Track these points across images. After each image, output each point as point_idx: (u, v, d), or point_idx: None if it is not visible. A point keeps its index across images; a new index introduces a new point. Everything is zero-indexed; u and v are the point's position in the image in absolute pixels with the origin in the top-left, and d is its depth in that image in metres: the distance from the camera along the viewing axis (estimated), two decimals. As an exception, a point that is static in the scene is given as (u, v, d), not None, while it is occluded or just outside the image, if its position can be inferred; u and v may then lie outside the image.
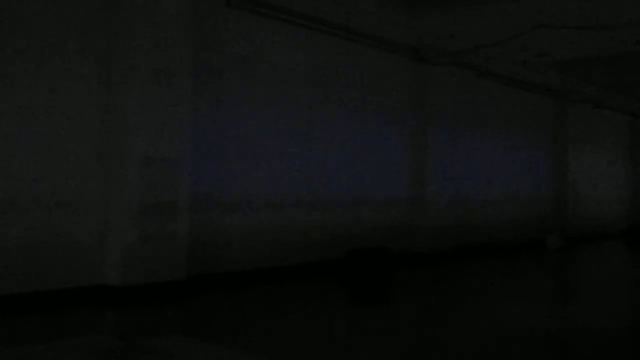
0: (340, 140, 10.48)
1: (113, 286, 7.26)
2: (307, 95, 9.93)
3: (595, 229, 18.27)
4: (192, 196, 8.07)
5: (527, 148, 15.56)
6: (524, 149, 15.42)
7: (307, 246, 9.86)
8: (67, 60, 7.09)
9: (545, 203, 16.24)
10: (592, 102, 17.56)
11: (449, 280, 10.30)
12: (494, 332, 6.42)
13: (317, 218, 10.03)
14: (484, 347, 5.74)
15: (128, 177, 7.29)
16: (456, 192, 12.67)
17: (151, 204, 7.42)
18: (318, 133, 10.11)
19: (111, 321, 6.80)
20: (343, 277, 9.81)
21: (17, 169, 6.70)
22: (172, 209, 7.63)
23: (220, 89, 8.71)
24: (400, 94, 11.74)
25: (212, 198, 8.57)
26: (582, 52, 12.75)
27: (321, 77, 10.17)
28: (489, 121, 14.08)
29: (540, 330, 6.49)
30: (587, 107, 17.51)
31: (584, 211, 17.65)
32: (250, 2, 8.89)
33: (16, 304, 6.61)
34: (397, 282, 9.90)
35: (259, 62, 9.22)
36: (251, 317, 6.85)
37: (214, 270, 8.54)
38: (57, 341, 5.55)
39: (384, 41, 11.03)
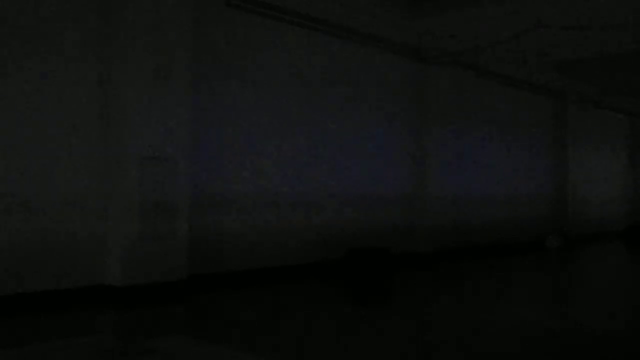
0: (340, 140, 10.48)
1: (113, 286, 7.27)
2: (307, 95, 9.93)
3: (595, 229, 18.26)
4: (192, 196, 8.08)
5: (527, 148, 15.56)
6: (524, 149, 15.42)
7: (307, 246, 9.86)
8: (67, 61, 7.10)
9: (545, 203, 16.24)
10: (592, 102, 17.56)
11: (449, 280, 10.29)
12: (494, 331, 6.43)
13: (317, 218, 10.03)
14: (484, 347, 5.74)
15: (128, 177, 7.29)
16: (456, 192, 12.67)
17: (151, 204, 7.43)
18: (318, 133, 10.11)
19: (111, 321, 6.80)
20: (343, 278, 9.81)
21: (17, 170, 6.71)
22: (172, 209, 7.64)
23: (220, 88, 8.71)
24: (400, 93, 11.75)
25: (212, 198, 8.57)
26: (582, 52, 12.76)
27: (321, 77, 10.17)
28: (489, 121, 14.07)
29: (540, 331, 6.49)
30: (587, 107, 17.50)
31: (584, 211, 17.64)
32: (250, 2, 8.89)
33: (16, 304, 6.62)
34: (397, 282, 9.90)
35: (258, 62, 9.22)
36: (251, 317, 6.85)
37: (214, 270, 8.54)
38: (57, 341, 5.55)
39: (384, 41, 11.04)
